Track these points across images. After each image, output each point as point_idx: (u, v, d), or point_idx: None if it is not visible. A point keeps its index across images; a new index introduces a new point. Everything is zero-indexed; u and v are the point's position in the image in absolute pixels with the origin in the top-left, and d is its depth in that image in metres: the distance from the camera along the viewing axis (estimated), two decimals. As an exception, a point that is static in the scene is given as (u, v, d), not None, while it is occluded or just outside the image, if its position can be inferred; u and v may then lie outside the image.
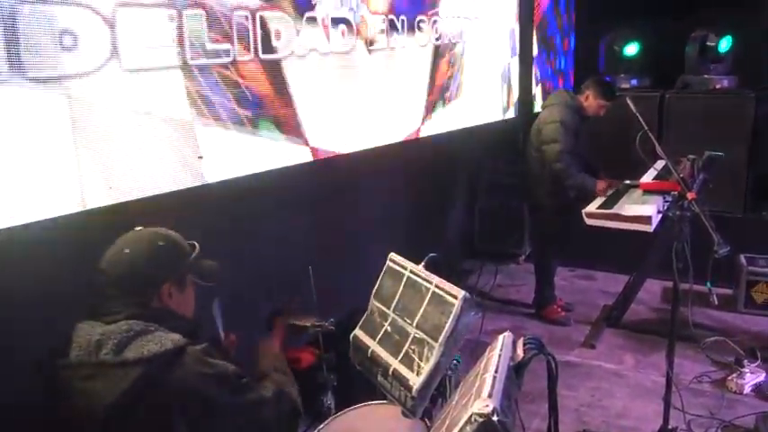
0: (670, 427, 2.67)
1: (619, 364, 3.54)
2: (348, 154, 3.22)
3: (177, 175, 2.21)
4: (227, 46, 2.34)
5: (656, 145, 2.81)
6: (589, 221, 3.30)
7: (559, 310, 4.17)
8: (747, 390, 3.16)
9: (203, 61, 2.24)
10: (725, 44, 4.88)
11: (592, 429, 2.88)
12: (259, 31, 2.48)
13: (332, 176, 3.21)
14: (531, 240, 4.36)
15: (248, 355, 1.73)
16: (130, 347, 1.27)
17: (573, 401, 3.13)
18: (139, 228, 1.47)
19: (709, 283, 2.41)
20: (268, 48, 2.55)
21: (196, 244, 1.53)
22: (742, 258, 4.20)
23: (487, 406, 1.05)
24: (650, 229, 3.08)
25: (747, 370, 3.25)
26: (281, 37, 2.60)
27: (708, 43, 4.87)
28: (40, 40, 1.71)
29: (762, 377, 3.23)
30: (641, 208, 3.16)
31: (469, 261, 5.08)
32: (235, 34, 2.36)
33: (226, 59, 2.34)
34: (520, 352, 1.30)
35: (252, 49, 2.46)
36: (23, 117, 1.71)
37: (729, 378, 3.24)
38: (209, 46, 2.25)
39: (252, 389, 1.40)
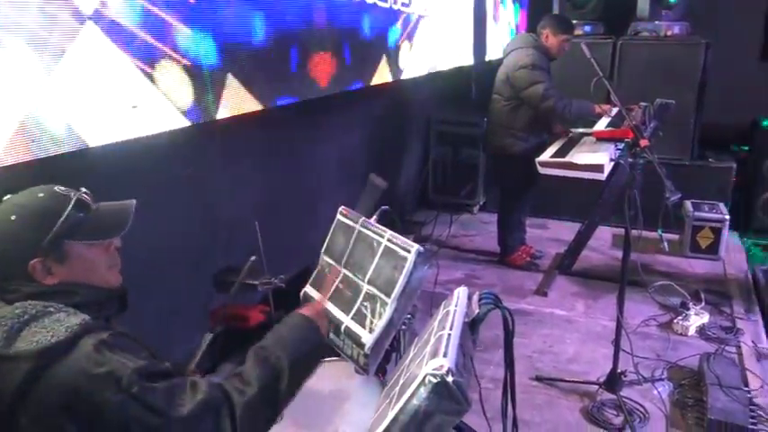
0: (619, 370, 2.73)
1: (570, 311, 3.61)
2: (297, 103, 3.08)
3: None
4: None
5: (612, 92, 2.78)
6: (542, 170, 3.29)
7: (525, 256, 4.20)
8: (692, 331, 3.27)
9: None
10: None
11: (544, 375, 2.92)
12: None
13: (282, 127, 3.09)
14: (499, 190, 4.28)
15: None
16: (22, 336, 1.11)
17: (525, 348, 3.17)
18: (7, 197, 1.27)
19: (660, 230, 2.43)
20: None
21: (72, 198, 1.26)
22: (688, 204, 4.30)
23: (442, 366, 1.00)
24: (603, 177, 3.09)
25: (692, 312, 3.35)
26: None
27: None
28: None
29: (705, 319, 3.34)
30: (594, 156, 3.15)
31: (424, 212, 5.07)
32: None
33: None
34: (475, 307, 1.25)
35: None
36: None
37: (675, 321, 3.34)
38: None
39: (158, 396, 1.12)
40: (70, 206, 1.24)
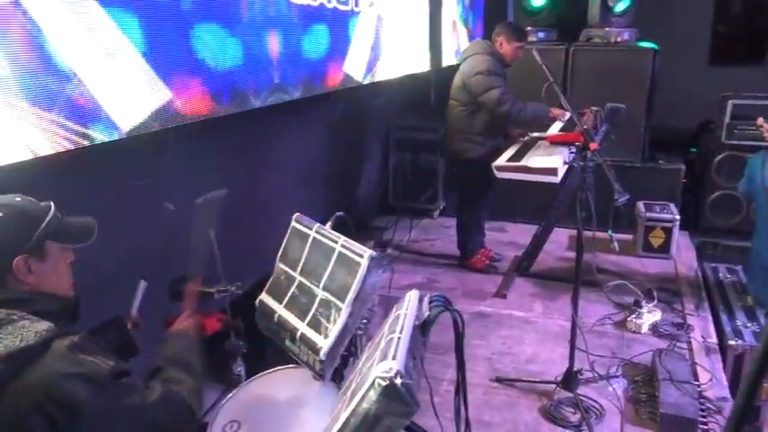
0: (575, 368, 2.79)
1: (529, 312, 3.67)
2: (255, 109, 3.07)
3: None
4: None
5: (561, 97, 2.85)
6: (499, 175, 3.35)
7: (484, 259, 4.25)
8: (645, 329, 3.36)
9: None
10: (622, 6, 5.00)
11: (503, 376, 2.97)
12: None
13: (239, 133, 3.07)
14: (458, 194, 4.33)
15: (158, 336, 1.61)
16: None
17: (485, 350, 3.21)
18: None
19: (610, 231, 2.50)
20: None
21: (51, 204, 1.35)
22: (640, 205, 4.43)
23: (390, 369, 1.02)
24: (557, 180, 3.16)
25: (645, 310, 3.44)
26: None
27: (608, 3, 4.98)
28: None
29: (658, 316, 3.44)
30: (548, 160, 3.22)
31: (384, 217, 5.10)
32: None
33: None
34: (426, 310, 1.27)
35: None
36: None
37: (629, 319, 3.43)
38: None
39: (131, 391, 1.23)
40: (53, 209, 1.33)
